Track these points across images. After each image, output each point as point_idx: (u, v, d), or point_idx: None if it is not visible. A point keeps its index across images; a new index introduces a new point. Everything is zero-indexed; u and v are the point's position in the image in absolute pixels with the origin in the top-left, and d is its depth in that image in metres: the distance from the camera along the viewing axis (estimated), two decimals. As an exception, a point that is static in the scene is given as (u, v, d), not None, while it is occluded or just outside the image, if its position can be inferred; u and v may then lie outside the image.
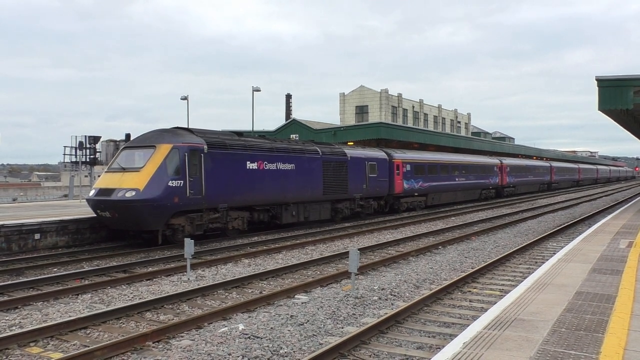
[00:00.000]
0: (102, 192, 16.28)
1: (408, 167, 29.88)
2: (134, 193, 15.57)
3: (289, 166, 20.90)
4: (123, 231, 17.41)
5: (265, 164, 19.73)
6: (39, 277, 12.14)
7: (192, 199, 16.72)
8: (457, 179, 36.58)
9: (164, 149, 16.44)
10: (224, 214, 18.15)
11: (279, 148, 20.84)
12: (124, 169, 16.57)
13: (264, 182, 19.62)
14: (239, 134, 20.27)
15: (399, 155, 29.78)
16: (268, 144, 20.48)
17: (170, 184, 16.08)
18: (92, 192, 16.88)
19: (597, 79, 19.82)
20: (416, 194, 31.12)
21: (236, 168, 18.42)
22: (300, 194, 21.50)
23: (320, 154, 23.05)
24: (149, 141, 17.04)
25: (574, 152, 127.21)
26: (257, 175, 19.31)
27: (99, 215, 16.55)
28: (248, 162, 18.95)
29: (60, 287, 11.38)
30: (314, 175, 22.34)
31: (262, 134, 37.65)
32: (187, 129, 18.05)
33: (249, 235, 19.74)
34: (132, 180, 15.93)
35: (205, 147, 17.32)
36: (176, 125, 18.14)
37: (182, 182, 16.41)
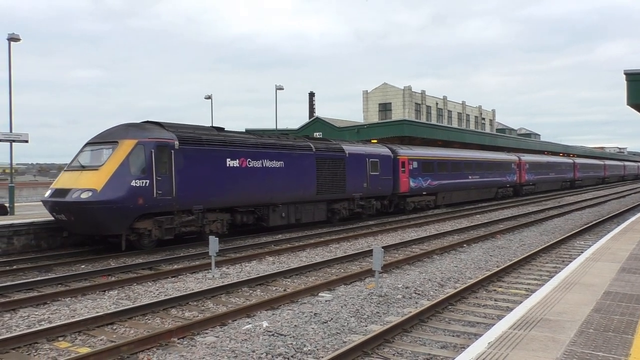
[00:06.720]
0: (57, 192, 14.97)
1: (415, 165, 28.21)
2: (90, 194, 14.28)
3: (277, 163, 19.36)
4: (89, 236, 16.08)
5: (249, 161, 18.25)
6: (68, 274, 12.38)
7: (160, 200, 15.34)
8: (470, 177, 34.72)
9: (126, 145, 15.06)
10: (199, 216, 16.69)
11: (265, 144, 19.26)
12: (83, 167, 15.23)
13: (247, 181, 18.12)
14: (220, 129, 18.60)
15: (405, 151, 28.00)
16: (252, 140, 18.92)
17: (133, 183, 14.70)
18: (47, 193, 15.49)
19: (625, 73, 19.28)
20: (424, 192, 29.30)
21: (214, 166, 16.99)
22: (290, 193, 19.96)
23: (314, 150, 21.41)
24: (111, 137, 15.65)
25: (602, 148, 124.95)
26: (239, 174, 17.83)
27: (56, 218, 15.41)
28: (228, 159, 17.49)
29: (88, 284, 11.61)
30: (306, 173, 20.70)
31: (285, 132, 37.56)
32: (157, 123, 16.52)
33: (273, 233, 19.81)
34: (89, 180, 14.65)
35: (177, 142, 15.90)
36: (153, 121, 16.72)
37: (148, 181, 15.02)
